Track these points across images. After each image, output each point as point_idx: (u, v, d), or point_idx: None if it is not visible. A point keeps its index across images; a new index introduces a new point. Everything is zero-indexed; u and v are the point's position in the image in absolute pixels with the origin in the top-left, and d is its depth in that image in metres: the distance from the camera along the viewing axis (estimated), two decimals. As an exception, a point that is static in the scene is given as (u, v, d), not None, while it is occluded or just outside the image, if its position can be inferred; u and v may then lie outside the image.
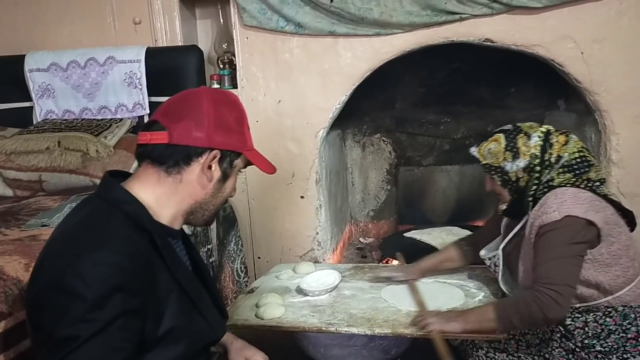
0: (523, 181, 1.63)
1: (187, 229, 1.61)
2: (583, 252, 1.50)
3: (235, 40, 2.56)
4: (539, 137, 1.61)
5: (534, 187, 1.61)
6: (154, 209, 1.15)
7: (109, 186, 1.16)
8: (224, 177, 1.21)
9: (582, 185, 1.55)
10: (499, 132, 1.67)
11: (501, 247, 1.74)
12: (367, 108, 3.08)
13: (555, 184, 1.58)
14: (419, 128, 3.14)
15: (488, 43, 2.32)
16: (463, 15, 2.26)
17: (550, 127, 1.65)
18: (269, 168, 1.28)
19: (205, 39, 2.90)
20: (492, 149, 1.65)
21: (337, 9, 2.31)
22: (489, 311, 1.55)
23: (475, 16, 2.26)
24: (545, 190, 1.59)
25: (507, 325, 1.54)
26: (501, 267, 1.74)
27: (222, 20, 2.77)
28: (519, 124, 1.67)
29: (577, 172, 1.57)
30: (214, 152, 1.16)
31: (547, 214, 1.51)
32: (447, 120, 3.10)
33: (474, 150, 1.70)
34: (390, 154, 3.21)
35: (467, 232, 2.78)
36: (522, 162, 1.61)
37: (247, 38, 2.53)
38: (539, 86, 2.86)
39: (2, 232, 1.78)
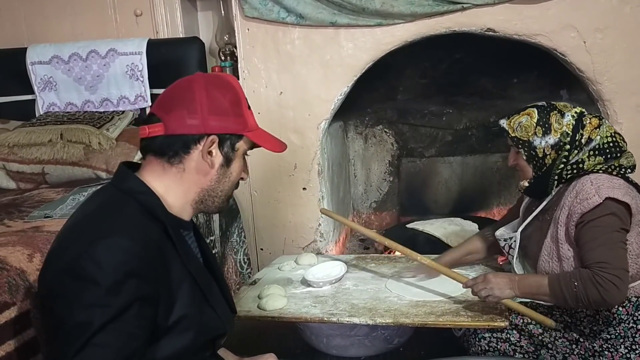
0: (549, 159, 1.61)
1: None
2: (626, 239, 1.50)
3: (236, 31, 2.55)
4: (573, 116, 1.60)
5: (561, 165, 1.60)
6: (165, 200, 1.16)
7: (124, 176, 1.17)
8: (227, 161, 1.19)
9: (615, 173, 1.54)
10: (532, 107, 1.64)
11: (520, 229, 1.73)
12: (369, 99, 3.07)
13: (585, 166, 1.57)
14: (421, 119, 3.13)
15: (490, 33, 2.31)
16: (465, 5, 2.25)
17: (584, 110, 1.65)
18: (277, 146, 1.25)
19: (206, 30, 2.89)
20: (523, 122, 1.63)
21: (339, -1, 2.30)
22: (543, 285, 1.52)
23: (477, 6, 2.25)
24: (574, 171, 1.58)
25: (560, 302, 1.53)
26: (517, 250, 1.73)
27: (223, 12, 2.77)
28: (553, 102, 1.66)
29: (609, 156, 1.57)
30: (212, 137, 1.15)
31: (587, 200, 1.49)
32: (449, 111, 3.09)
33: (503, 122, 1.68)
34: (392, 146, 3.21)
35: (469, 223, 2.79)
36: (552, 139, 1.59)
37: (248, 29, 2.52)
38: (541, 76, 2.85)
39: (5, 223, 1.79)
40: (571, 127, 1.59)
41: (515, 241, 1.73)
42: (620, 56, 2.25)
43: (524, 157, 1.65)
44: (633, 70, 2.27)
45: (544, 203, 1.68)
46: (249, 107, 1.23)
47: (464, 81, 2.97)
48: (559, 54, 2.31)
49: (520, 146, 1.64)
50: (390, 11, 2.29)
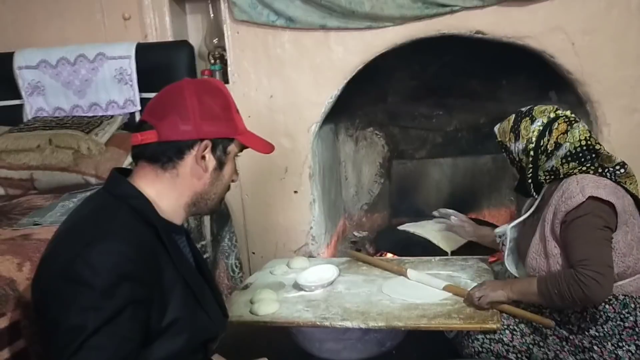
0: (524, 163, 1.68)
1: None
2: (611, 238, 1.53)
3: (226, 35, 2.55)
4: (543, 122, 1.63)
5: (530, 170, 1.65)
6: (157, 204, 1.17)
7: (116, 181, 1.18)
8: (220, 165, 1.22)
9: (599, 171, 1.58)
10: (517, 111, 1.71)
11: (510, 225, 1.77)
12: (360, 102, 3.07)
13: (561, 172, 1.61)
14: (411, 121, 3.14)
15: (479, 35, 2.33)
16: (454, 8, 2.26)
17: (561, 113, 1.66)
18: (265, 148, 1.29)
19: (195, 34, 2.88)
20: (504, 127, 1.71)
21: (328, 2, 2.30)
22: (532, 285, 1.58)
23: (466, 8, 2.27)
24: (552, 177, 1.63)
25: (548, 301, 1.57)
26: (507, 245, 1.77)
27: (212, 15, 2.76)
28: (535, 107, 1.69)
29: (582, 159, 1.60)
30: (205, 142, 1.17)
31: (571, 199, 1.53)
32: (439, 113, 3.10)
33: (496, 128, 1.76)
34: (383, 148, 3.21)
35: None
36: (520, 145, 1.66)
37: (237, 33, 2.52)
38: (530, 78, 2.86)
39: (-6, 231, 1.77)
40: (536, 133, 1.63)
41: (506, 238, 1.78)
42: (608, 58, 2.27)
43: (508, 160, 1.74)
44: (621, 71, 2.29)
45: (536, 203, 1.72)
46: (237, 111, 1.26)
47: (453, 83, 2.97)
48: (547, 56, 2.33)
49: (503, 150, 1.74)
50: (380, 14, 2.29)
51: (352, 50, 2.42)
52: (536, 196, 1.72)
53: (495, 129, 1.76)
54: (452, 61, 2.90)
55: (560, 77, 2.43)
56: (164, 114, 1.16)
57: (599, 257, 1.48)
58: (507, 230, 1.77)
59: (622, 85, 2.30)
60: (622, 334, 1.55)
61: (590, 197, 1.51)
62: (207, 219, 2.32)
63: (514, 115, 1.71)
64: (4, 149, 2.34)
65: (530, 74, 2.82)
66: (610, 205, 1.52)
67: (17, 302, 1.26)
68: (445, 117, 3.10)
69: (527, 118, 1.66)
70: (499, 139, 1.74)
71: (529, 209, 1.78)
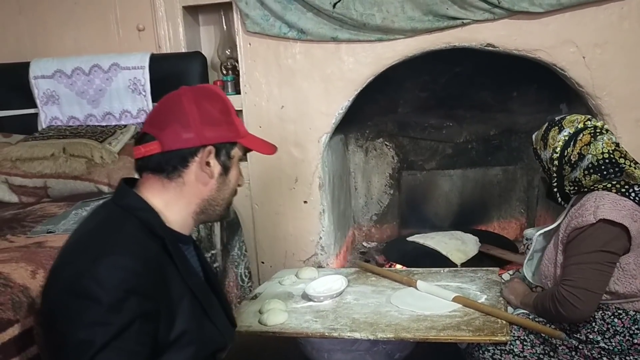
0: (552, 171, 1.69)
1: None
2: (612, 261, 1.51)
3: (238, 46, 2.58)
4: (569, 132, 1.64)
5: (555, 179, 1.67)
6: (165, 215, 1.17)
7: (124, 193, 1.19)
8: (225, 169, 1.22)
9: (622, 190, 1.54)
10: (550, 120, 1.73)
11: (538, 232, 1.78)
12: (370, 113, 3.08)
13: (584, 184, 1.60)
14: (421, 132, 3.14)
15: (490, 48, 2.33)
16: (465, 21, 2.27)
17: (590, 124, 1.64)
18: (268, 149, 1.29)
19: (208, 45, 2.91)
20: (537, 135, 1.74)
21: (340, 15, 2.32)
22: (532, 298, 1.67)
23: (477, 21, 2.27)
24: (575, 189, 1.63)
25: (536, 313, 1.66)
26: (530, 251, 1.79)
27: (225, 27, 2.79)
28: (566, 116, 1.70)
29: (605, 173, 1.57)
30: (208, 148, 1.18)
31: (583, 217, 1.53)
32: (449, 124, 3.10)
33: (533, 135, 1.79)
34: (393, 159, 3.21)
35: (470, 236, 2.79)
36: (548, 154, 1.68)
37: (250, 44, 2.55)
38: (540, 90, 2.86)
39: (8, 238, 1.79)
40: (561, 143, 1.64)
41: (531, 243, 1.79)
42: (620, 71, 2.27)
43: (540, 168, 1.76)
44: (632, 84, 2.28)
45: (565, 212, 1.71)
46: (237, 114, 1.27)
47: (463, 94, 2.98)
48: (558, 69, 2.33)
49: (535, 157, 1.76)
50: (391, 27, 2.31)
51: (362, 61, 2.44)
52: (565, 205, 1.71)
53: (533, 135, 1.78)
54: (462, 72, 2.91)
55: (571, 90, 2.43)
56: (164, 123, 1.16)
57: (582, 280, 1.49)
58: (535, 236, 1.77)
59: (633, 98, 2.29)
60: (630, 350, 1.55)
61: (602, 220, 1.49)
62: (217, 228, 2.33)
63: (546, 124, 1.72)
64: (19, 157, 2.37)
65: (541, 86, 2.83)
66: (623, 227, 1.50)
67: (30, 309, 1.28)
68: (455, 128, 3.10)
69: (556, 127, 1.67)
70: (534, 146, 1.76)
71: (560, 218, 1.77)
